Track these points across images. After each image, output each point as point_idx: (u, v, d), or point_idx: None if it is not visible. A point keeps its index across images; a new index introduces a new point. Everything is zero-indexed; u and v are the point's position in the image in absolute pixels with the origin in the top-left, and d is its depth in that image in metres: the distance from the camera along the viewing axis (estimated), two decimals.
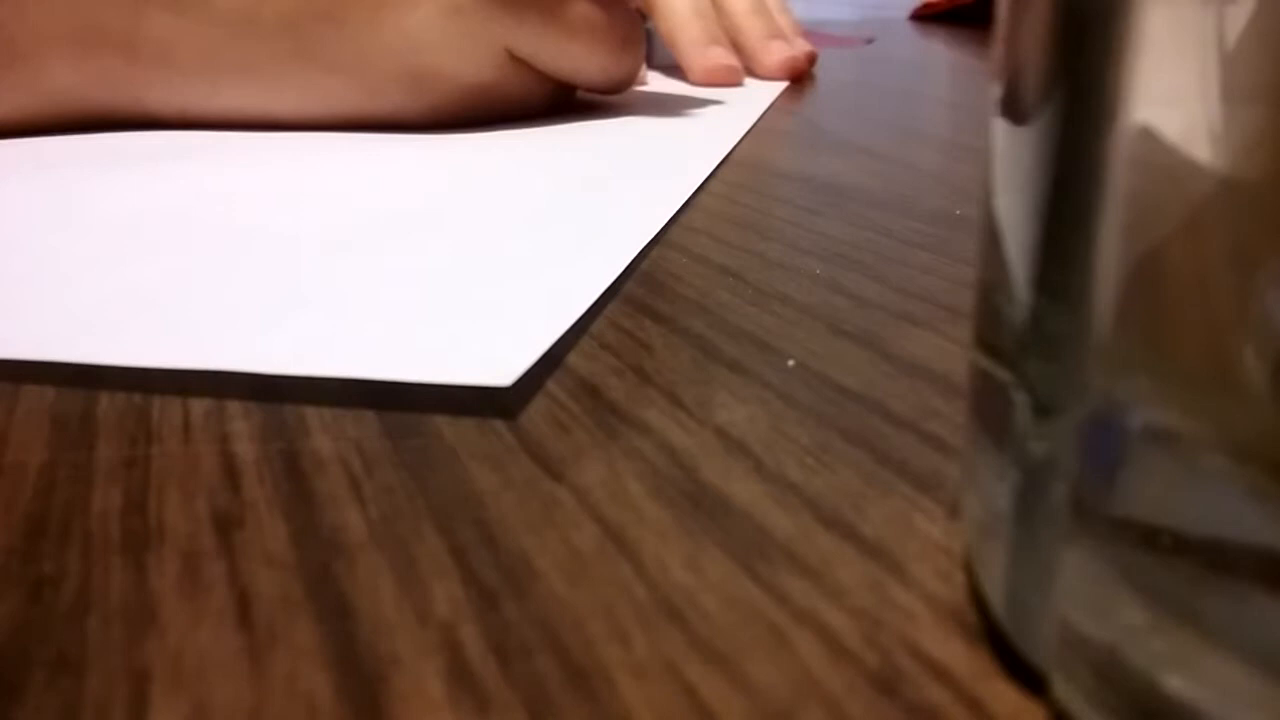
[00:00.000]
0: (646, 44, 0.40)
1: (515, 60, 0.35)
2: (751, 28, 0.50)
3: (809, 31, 0.55)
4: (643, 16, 0.42)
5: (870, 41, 0.71)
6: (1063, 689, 0.08)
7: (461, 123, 0.35)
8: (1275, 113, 0.06)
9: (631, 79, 0.38)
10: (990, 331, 0.09)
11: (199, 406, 0.14)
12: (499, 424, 0.14)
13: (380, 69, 0.33)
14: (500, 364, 0.15)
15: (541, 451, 0.13)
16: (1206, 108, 0.06)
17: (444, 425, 0.14)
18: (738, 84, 0.47)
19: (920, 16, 0.89)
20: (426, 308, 0.17)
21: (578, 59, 0.35)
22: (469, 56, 0.34)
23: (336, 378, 0.15)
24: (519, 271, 0.19)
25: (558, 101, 0.38)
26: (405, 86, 0.34)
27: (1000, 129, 0.08)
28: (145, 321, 0.17)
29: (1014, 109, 0.08)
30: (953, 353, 0.16)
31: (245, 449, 0.13)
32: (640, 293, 0.19)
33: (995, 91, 0.09)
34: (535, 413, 0.14)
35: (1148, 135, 0.07)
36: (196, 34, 0.33)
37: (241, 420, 0.14)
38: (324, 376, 0.15)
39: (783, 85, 0.48)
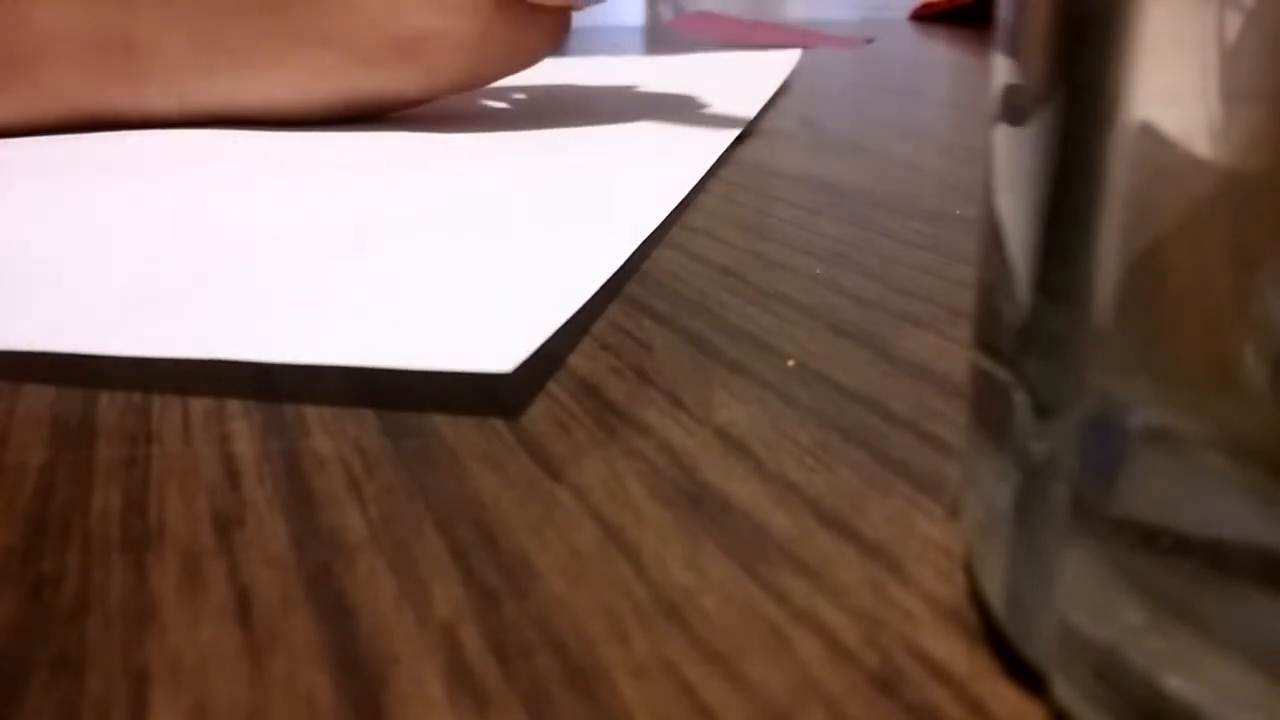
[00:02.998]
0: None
1: (500, 2, 0.34)
2: None
3: (809, 31, 0.55)
4: None
5: (870, 41, 0.71)
6: (1062, 689, 0.08)
7: (461, 94, 0.35)
8: (1275, 112, 0.06)
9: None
10: (990, 331, 0.09)
11: (199, 406, 0.14)
12: (499, 424, 0.14)
13: (370, 40, 0.34)
14: (501, 351, 0.14)
15: (542, 452, 0.13)
16: (1206, 107, 0.06)
17: (444, 425, 0.14)
18: None
19: (920, 16, 0.89)
20: (427, 299, 0.17)
21: None
22: (453, 7, 0.34)
23: (336, 376, 0.15)
24: (520, 264, 0.19)
25: (547, 50, 0.37)
26: (398, 54, 0.34)
27: (1000, 129, 0.08)
28: (145, 314, 0.17)
29: (1014, 109, 0.08)
30: (953, 353, 0.16)
31: (245, 449, 0.13)
32: (640, 293, 0.19)
33: (995, 91, 0.09)
34: (535, 413, 0.14)
35: (1148, 134, 0.07)
36: (187, 25, 0.34)
37: (241, 420, 0.14)
38: (323, 366, 0.15)
39: (781, 81, 0.48)
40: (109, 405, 0.14)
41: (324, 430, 0.13)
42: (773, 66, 0.53)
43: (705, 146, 0.31)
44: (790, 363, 0.16)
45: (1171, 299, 0.07)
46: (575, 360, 0.16)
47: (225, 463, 0.13)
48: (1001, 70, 0.08)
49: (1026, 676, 0.09)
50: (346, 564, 0.11)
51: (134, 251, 0.21)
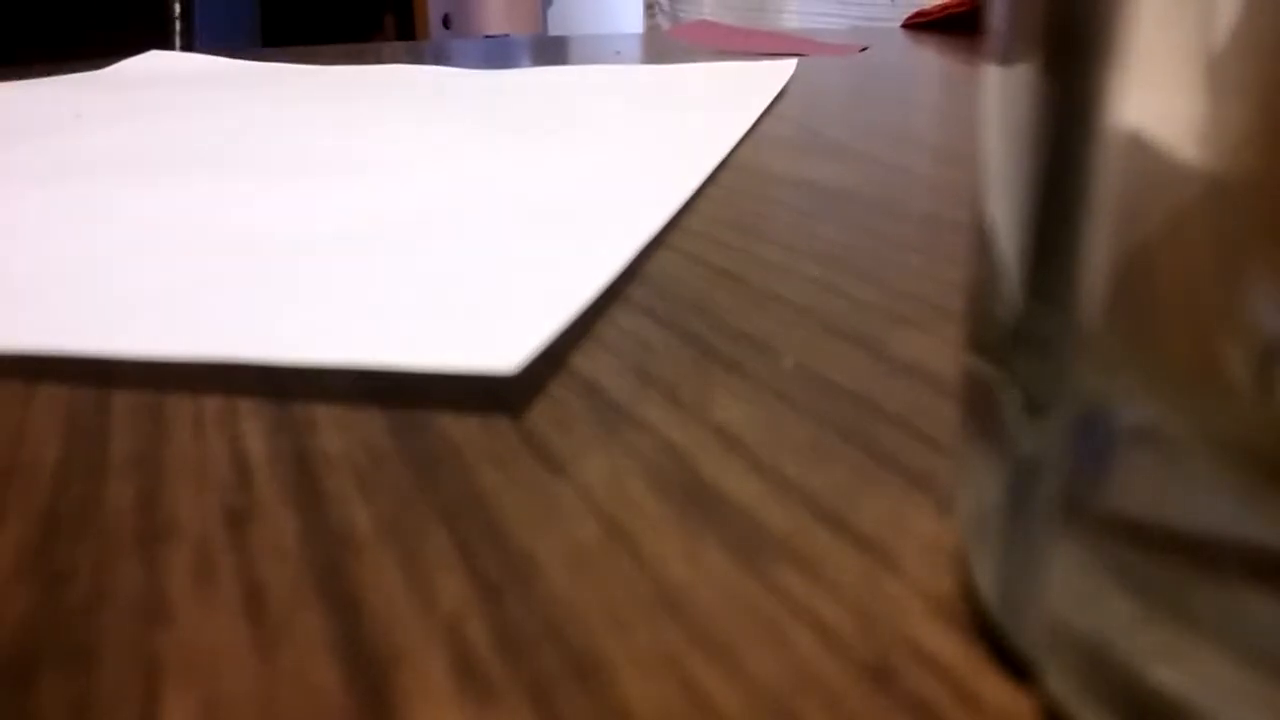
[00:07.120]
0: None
1: None
2: None
3: (805, 39, 0.55)
4: None
5: (864, 50, 0.71)
6: (1054, 681, 0.08)
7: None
8: (1260, 112, 0.06)
9: None
10: (982, 332, 0.09)
11: (210, 404, 0.14)
12: (503, 422, 0.14)
13: None
14: (506, 352, 0.15)
15: (545, 449, 0.13)
16: (1194, 108, 0.07)
17: (449, 424, 0.14)
18: None
19: (912, 25, 0.89)
20: (432, 301, 0.17)
21: None
22: None
23: (344, 376, 0.15)
24: (524, 267, 0.19)
25: None
26: None
27: (990, 133, 0.09)
28: (155, 316, 0.17)
29: (1004, 113, 0.08)
30: (945, 353, 0.16)
31: (256, 446, 0.13)
32: (641, 294, 0.19)
33: (986, 97, 0.09)
34: (538, 412, 0.14)
35: (1135, 138, 0.07)
36: None
37: (252, 418, 0.14)
38: (331, 368, 0.15)
39: (778, 88, 0.48)
40: (122, 403, 0.15)
41: (333, 429, 0.14)
42: (770, 74, 0.53)
43: (705, 151, 0.32)
44: (787, 363, 0.16)
45: (1159, 299, 0.07)
46: (577, 360, 0.16)
47: (236, 460, 0.13)
48: (992, 75, 0.09)
49: (1018, 668, 0.09)
50: (355, 559, 0.11)
51: (144, 254, 0.21)
